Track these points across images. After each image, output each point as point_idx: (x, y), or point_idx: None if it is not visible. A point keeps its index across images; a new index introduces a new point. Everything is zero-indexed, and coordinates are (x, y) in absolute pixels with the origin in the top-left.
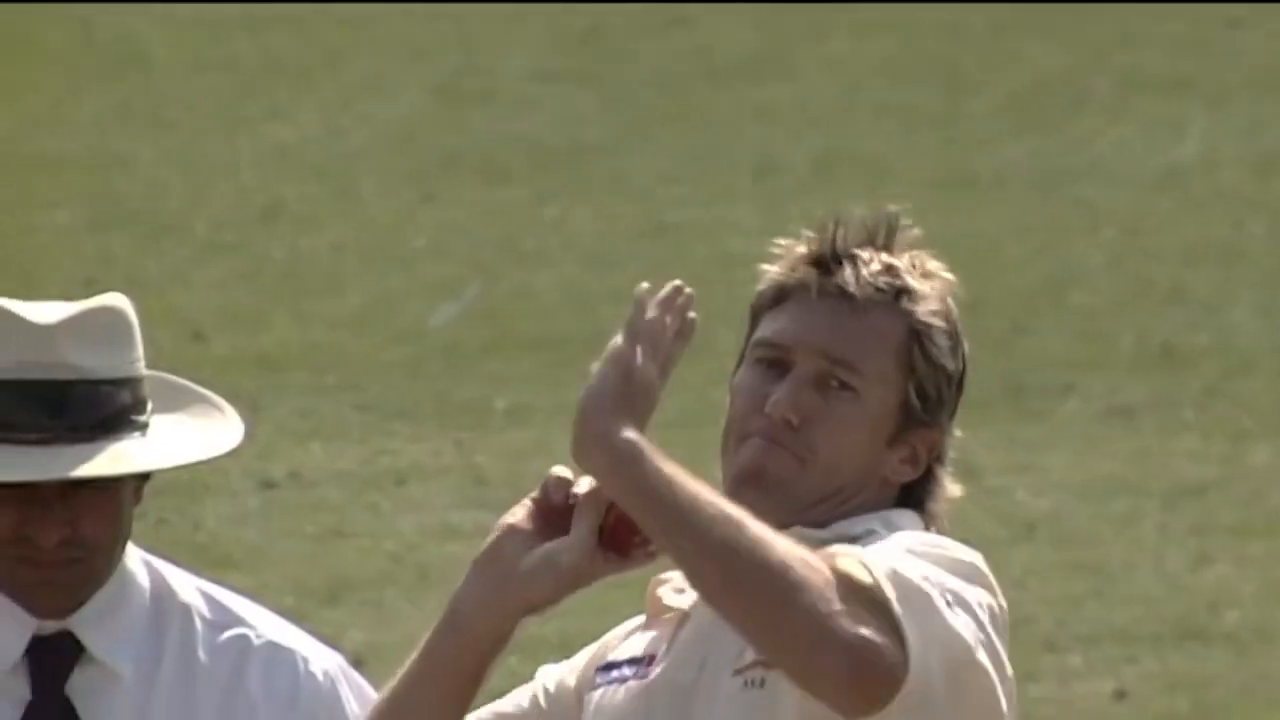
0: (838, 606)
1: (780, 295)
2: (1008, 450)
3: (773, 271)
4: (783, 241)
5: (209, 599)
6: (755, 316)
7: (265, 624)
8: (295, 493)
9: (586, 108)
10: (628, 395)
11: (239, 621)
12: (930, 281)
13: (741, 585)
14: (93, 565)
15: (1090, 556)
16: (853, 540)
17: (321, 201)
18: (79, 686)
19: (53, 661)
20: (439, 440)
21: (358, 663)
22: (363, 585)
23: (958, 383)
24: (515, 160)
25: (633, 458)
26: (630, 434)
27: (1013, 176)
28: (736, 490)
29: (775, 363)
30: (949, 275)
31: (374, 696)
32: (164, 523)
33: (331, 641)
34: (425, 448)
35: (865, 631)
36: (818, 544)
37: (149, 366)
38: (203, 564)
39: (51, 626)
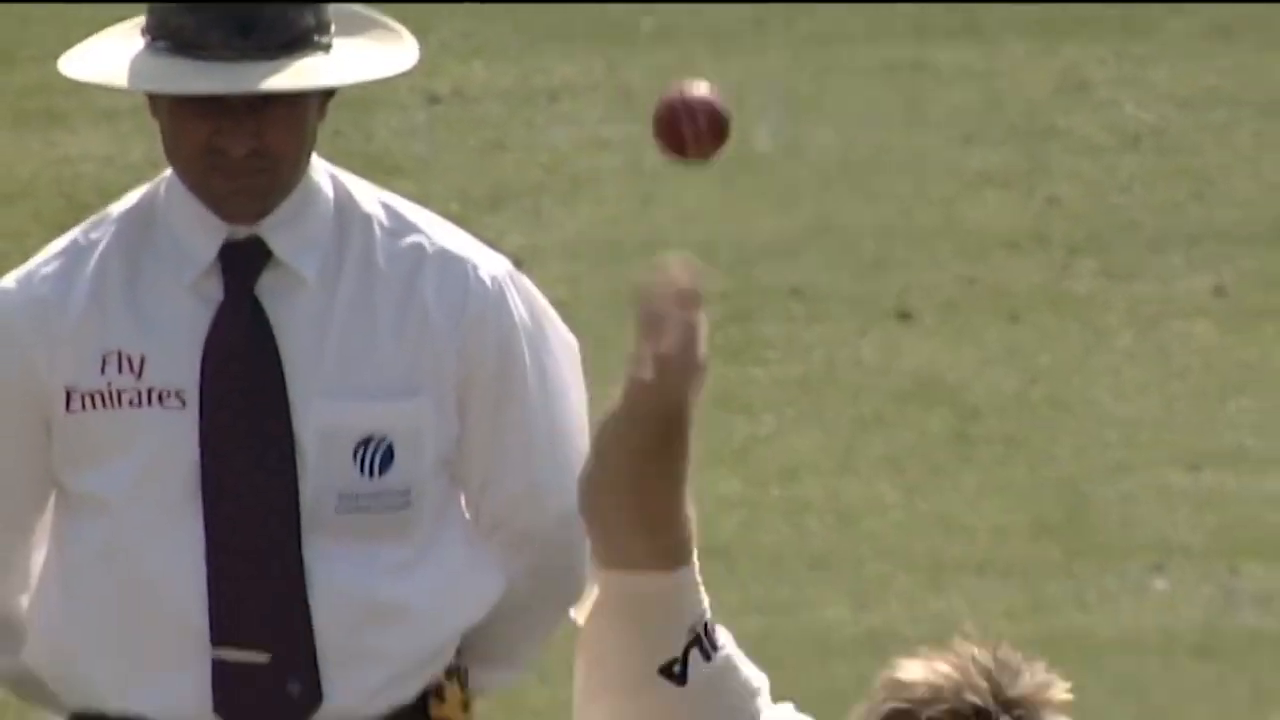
0: None
1: None
2: (1116, 64)
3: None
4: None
5: (388, 208)
6: None
7: (439, 232)
8: (459, 107)
9: None
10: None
11: (415, 229)
12: None
13: None
14: (279, 175)
15: (1192, 163)
16: None
17: None
18: (267, 287)
19: (243, 264)
20: (590, 58)
21: (517, 262)
22: (520, 193)
23: None
24: None
25: None
26: None
27: None
28: None
29: None
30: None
31: (540, 299)
32: (339, 134)
33: (493, 244)
34: (577, 66)
35: None
36: None
37: None
38: (375, 173)
39: (242, 232)
